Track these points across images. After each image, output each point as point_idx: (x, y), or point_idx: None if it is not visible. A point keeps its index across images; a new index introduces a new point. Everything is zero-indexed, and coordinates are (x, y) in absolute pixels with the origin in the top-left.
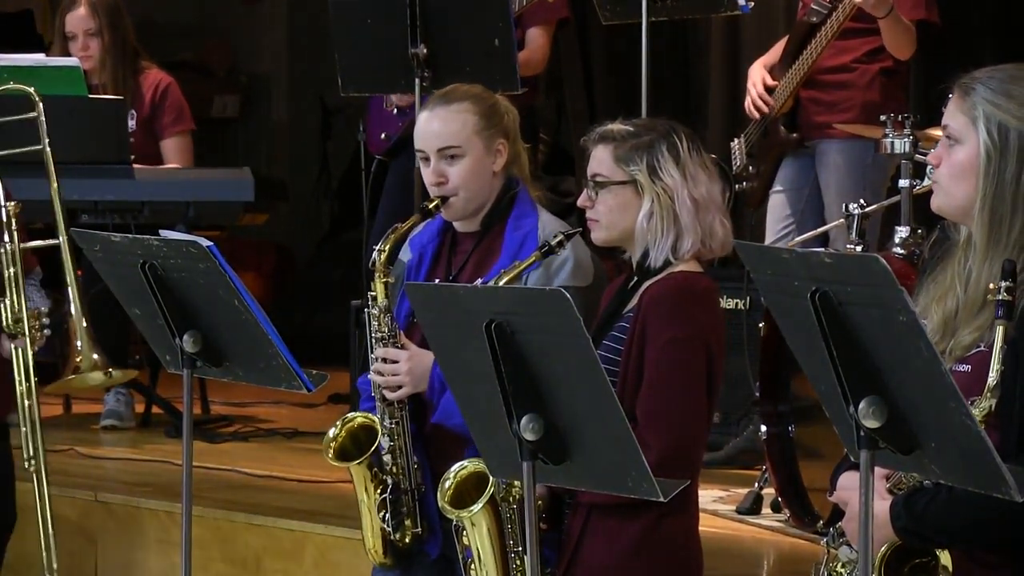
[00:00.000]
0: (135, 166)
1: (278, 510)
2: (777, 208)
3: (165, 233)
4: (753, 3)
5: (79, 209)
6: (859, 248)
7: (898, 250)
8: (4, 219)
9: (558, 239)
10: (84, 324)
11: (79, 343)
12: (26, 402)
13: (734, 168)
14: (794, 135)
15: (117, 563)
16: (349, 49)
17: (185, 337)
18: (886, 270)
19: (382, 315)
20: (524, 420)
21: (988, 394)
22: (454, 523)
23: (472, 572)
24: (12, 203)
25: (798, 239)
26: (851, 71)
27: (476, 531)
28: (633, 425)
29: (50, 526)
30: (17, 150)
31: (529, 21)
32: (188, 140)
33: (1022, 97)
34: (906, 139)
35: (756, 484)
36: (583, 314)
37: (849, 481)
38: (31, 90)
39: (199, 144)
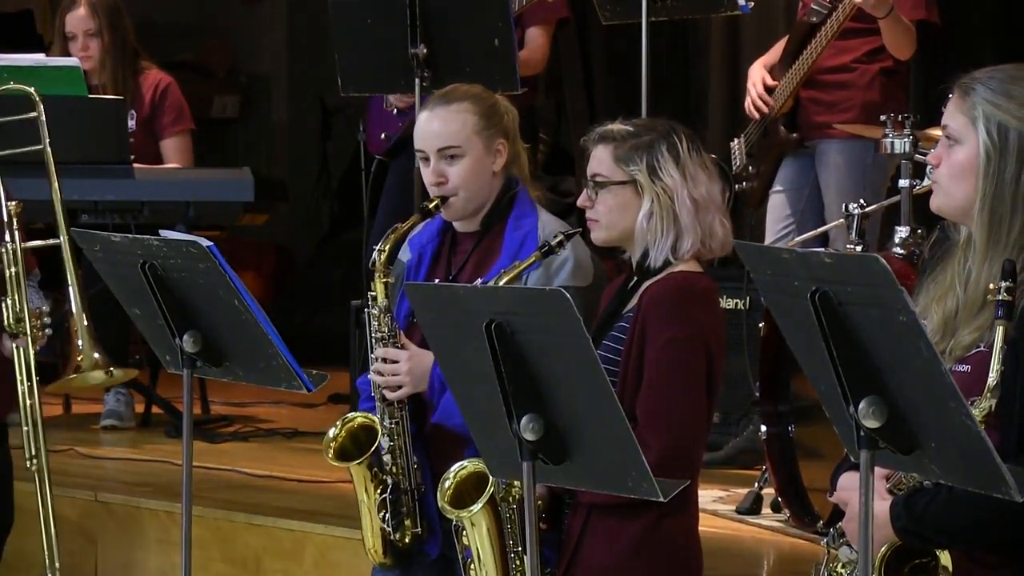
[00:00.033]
0: (135, 166)
1: (278, 510)
2: (777, 208)
3: (165, 233)
4: (753, 3)
5: (79, 209)
6: (859, 248)
7: (898, 250)
8: (5, 219)
9: (558, 239)
10: (85, 322)
11: (80, 342)
12: (27, 401)
13: (734, 168)
14: (794, 135)
15: (117, 563)
16: (349, 49)
17: (185, 337)
18: (886, 270)
19: (382, 315)
20: (524, 420)
21: (988, 394)
22: (454, 523)
23: (472, 572)
24: (13, 203)
25: (798, 239)
26: (851, 71)
27: (476, 531)
28: (633, 425)
29: (52, 525)
30: (17, 150)
31: (528, 20)
32: (188, 140)
33: (1022, 97)
34: (906, 139)
35: (756, 484)
36: (583, 314)
37: (849, 481)
38: (31, 90)
39: (199, 144)
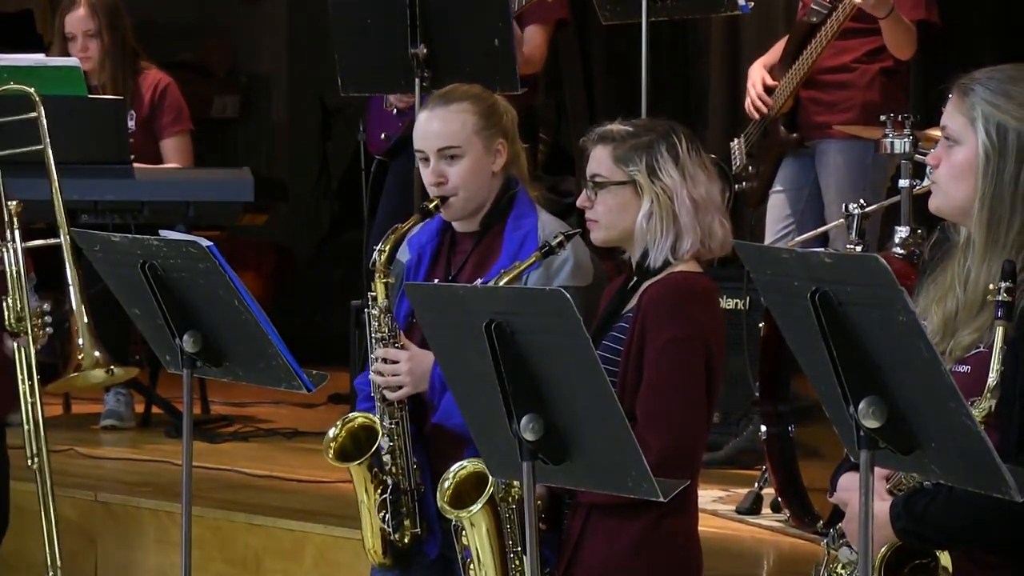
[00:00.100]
0: (135, 166)
1: (278, 510)
2: (777, 208)
3: (165, 233)
4: (753, 3)
5: (79, 209)
6: (859, 248)
7: (898, 250)
8: (6, 218)
9: (558, 239)
10: (86, 320)
11: (81, 340)
12: (29, 400)
13: (734, 168)
14: (794, 135)
15: (117, 563)
16: (349, 49)
17: (185, 337)
18: (886, 270)
19: (382, 315)
20: (524, 420)
21: (988, 395)
22: (453, 523)
23: (471, 572)
24: (13, 203)
25: (798, 239)
26: (851, 71)
27: (475, 531)
28: (633, 425)
29: (53, 524)
30: (17, 150)
31: (527, 19)
32: (187, 140)
33: (1021, 98)
34: (906, 139)
35: (756, 484)
36: (583, 314)
37: (849, 482)
38: (31, 90)
39: (199, 144)
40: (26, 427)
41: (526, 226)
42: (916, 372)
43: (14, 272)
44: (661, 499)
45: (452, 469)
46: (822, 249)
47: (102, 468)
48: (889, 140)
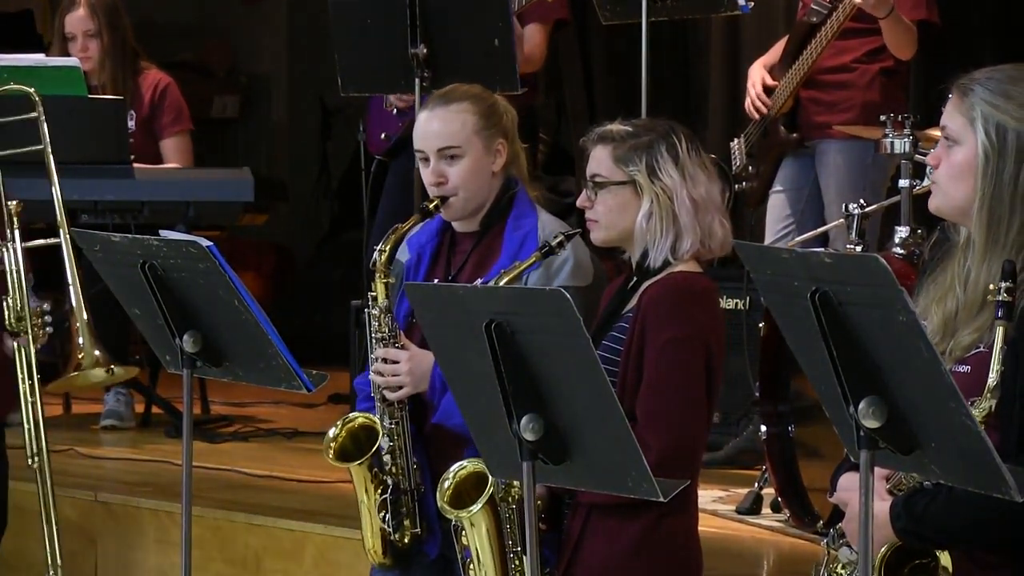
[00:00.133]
0: (135, 166)
1: (278, 510)
2: (777, 208)
3: (165, 233)
4: (753, 3)
5: (79, 209)
6: (859, 248)
7: (898, 250)
8: (6, 218)
9: (558, 239)
10: (86, 319)
11: (81, 339)
12: (29, 400)
13: (734, 168)
14: (794, 135)
15: (117, 563)
16: (349, 49)
17: (185, 337)
18: (886, 270)
19: (383, 315)
20: (524, 420)
21: (988, 395)
22: (453, 523)
23: (471, 572)
24: (14, 202)
25: (798, 239)
26: (851, 71)
27: (475, 531)
28: (633, 425)
29: (54, 523)
30: (17, 150)
31: (527, 18)
32: (187, 140)
33: (1020, 98)
34: (906, 139)
35: (756, 484)
36: (583, 314)
37: (849, 482)
38: (31, 90)
39: (199, 144)
40: (26, 426)
41: (526, 226)
42: (916, 372)
43: (14, 272)
44: (661, 499)
45: (452, 469)
46: (822, 249)
47: (102, 468)
48: (889, 140)
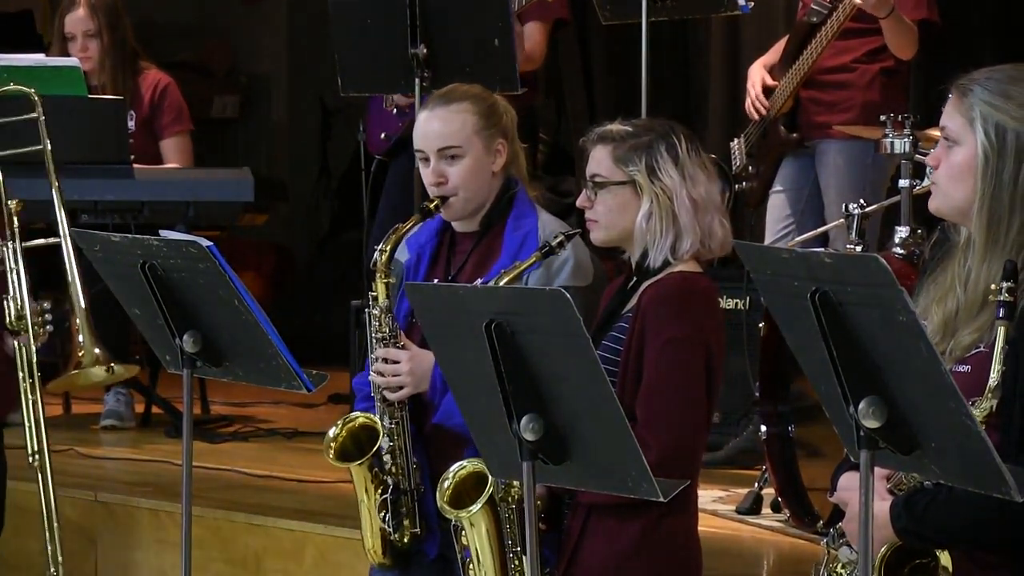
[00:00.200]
0: (135, 166)
1: (278, 510)
2: (777, 208)
3: (165, 233)
4: (753, 3)
5: (79, 209)
6: (859, 248)
7: (898, 250)
8: (6, 218)
9: (558, 239)
10: (86, 317)
11: (81, 338)
12: (29, 399)
13: (734, 168)
14: (794, 135)
15: (117, 563)
16: (349, 49)
17: (185, 337)
18: (886, 270)
19: (383, 315)
20: (524, 420)
21: (989, 395)
22: (453, 523)
23: (471, 572)
24: (14, 202)
25: (798, 239)
26: (851, 71)
27: (475, 531)
28: (633, 425)
29: (55, 521)
30: (17, 150)
31: (527, 17)
32: (187, 140)
33: (1020, 98)
34: (906, 139)
35: (756, 484)
36: (583, 314)
37: (849, 482)
38: (31, 90)
39: (199, 144)
40: (27, 425)
41: (526, 226)
42: (916, 372)
43: (14, 272)
44: (661, 499)
45: (452, 469)
46: (822, 249)
47: (102, 468)
48: (889, 140)
